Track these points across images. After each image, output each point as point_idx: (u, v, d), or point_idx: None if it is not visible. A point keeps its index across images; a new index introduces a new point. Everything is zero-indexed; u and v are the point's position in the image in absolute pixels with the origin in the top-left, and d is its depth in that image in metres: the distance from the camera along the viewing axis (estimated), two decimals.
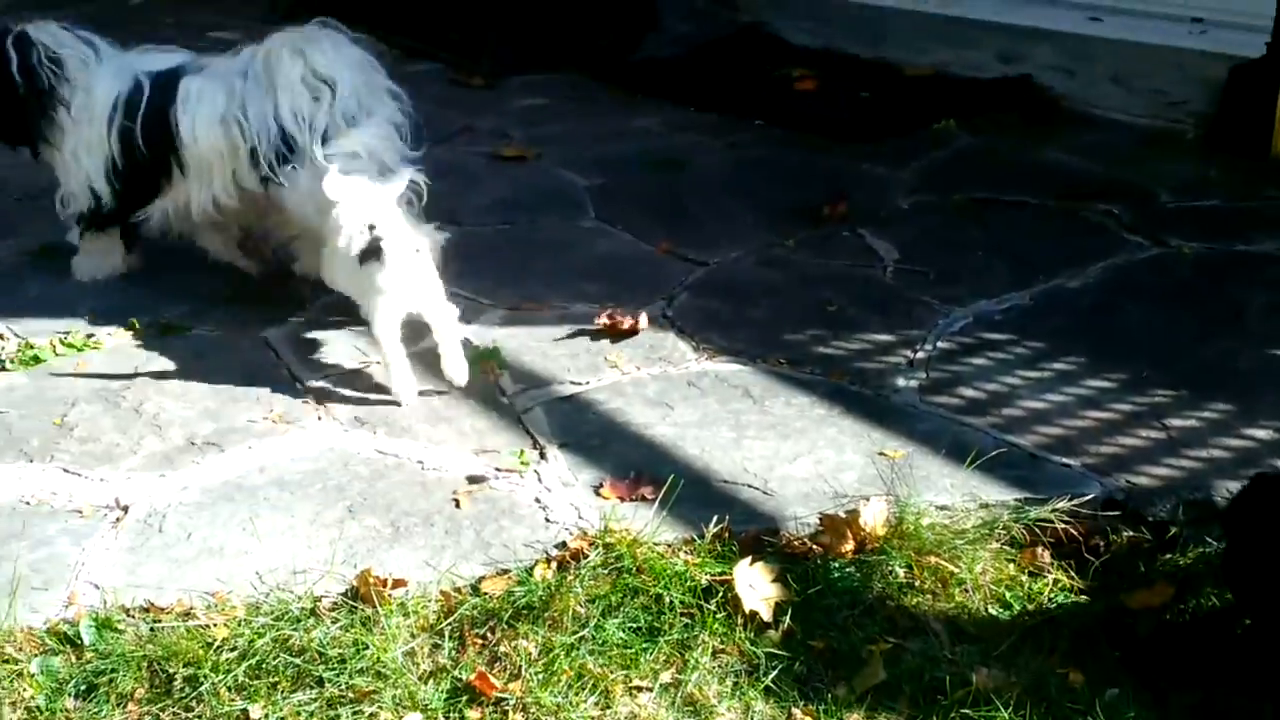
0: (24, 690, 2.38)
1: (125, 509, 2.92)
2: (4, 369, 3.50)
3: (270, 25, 6.94)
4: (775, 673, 2.48)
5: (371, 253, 3.21)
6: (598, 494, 2.97)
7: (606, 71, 6.00)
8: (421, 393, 3.36)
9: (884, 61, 5.83)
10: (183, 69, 3.76)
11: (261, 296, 3.89)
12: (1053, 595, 2.68)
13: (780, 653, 2.53)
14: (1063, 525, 2.79)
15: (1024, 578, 2.72)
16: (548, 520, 2.89)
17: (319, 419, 3.29)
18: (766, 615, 2.60)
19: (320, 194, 3.31)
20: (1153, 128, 5.16)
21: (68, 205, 3.91)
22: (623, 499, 2.95)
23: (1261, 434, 3.12)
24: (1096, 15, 5.44)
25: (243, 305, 3.84)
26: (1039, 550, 2.78)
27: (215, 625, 2.54)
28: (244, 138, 3.60)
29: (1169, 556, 2.76)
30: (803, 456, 3.10)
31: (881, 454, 3.09)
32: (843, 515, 2.84)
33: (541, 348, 3.61)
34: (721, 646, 2.55)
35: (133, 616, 2.57)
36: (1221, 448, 3.08)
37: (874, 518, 2.82)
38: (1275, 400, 3.24)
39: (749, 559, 2.70)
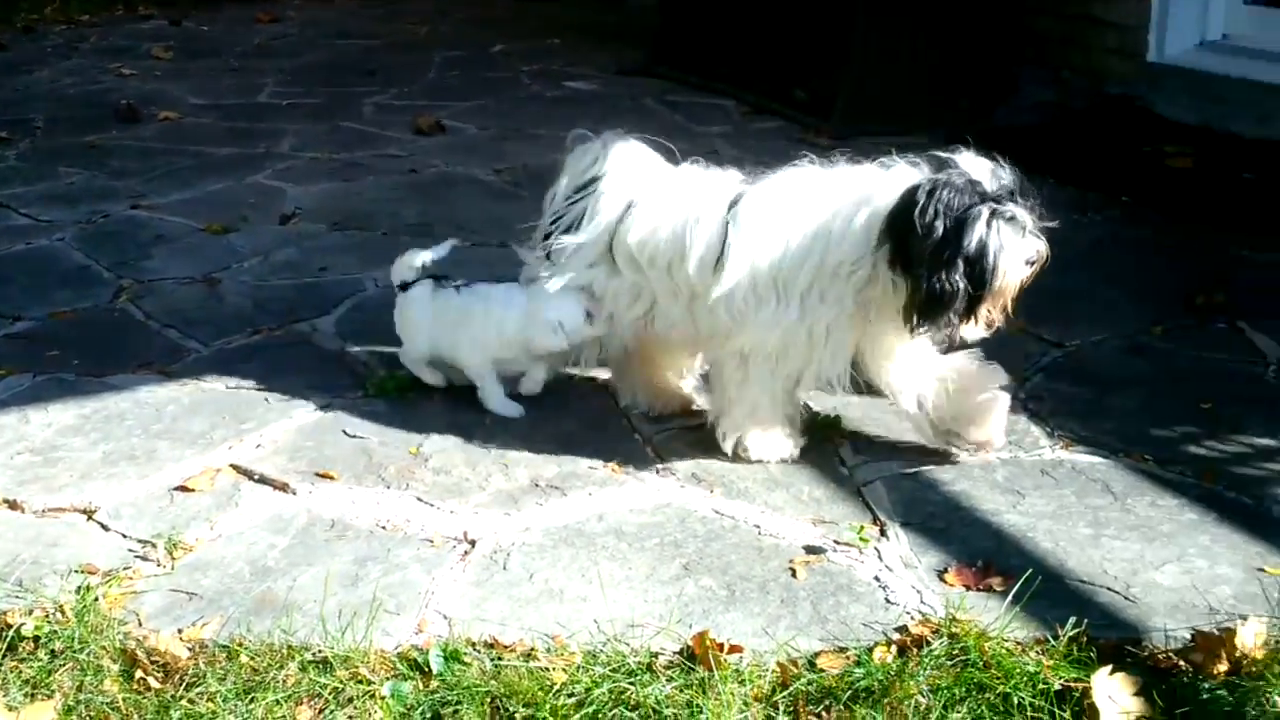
0: (374, 711, 2.46)
1: (473, 543, 3.00)
2: (367, 396, 3.69)
3: (622, 78, 7.29)
4: None
5: None
6: (941, 579, 2.84)
7: (959, 136, 5.82)
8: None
9: (1271, 141, 5.43)
10: None
11: None
12: None
13: None
14: None
15: None
16: (888, 601, 2.78)
17: (658, 473, 3.29)
18: None
19: None
20: None
21: None
22: (969, 587, 2.81)
23: None
24: None
25: None
26: None
27: (554, 669, 2.56)
28: None
29: None
30: (1170, 563, 2.87)
31: (1262, 570, 2.82)
32: (1217, 632, 2.60)
33: (885, 419, 3.51)
34: None
35: (478, 650, 2.62)
36: None
37: (1252, 639, 2.56)
38: None
39: (1108, 668, 2.50)
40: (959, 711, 2.45)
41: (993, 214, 2.98)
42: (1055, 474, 3.25)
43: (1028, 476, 3.24)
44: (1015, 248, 3.01)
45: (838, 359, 3.21)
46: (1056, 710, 2.44)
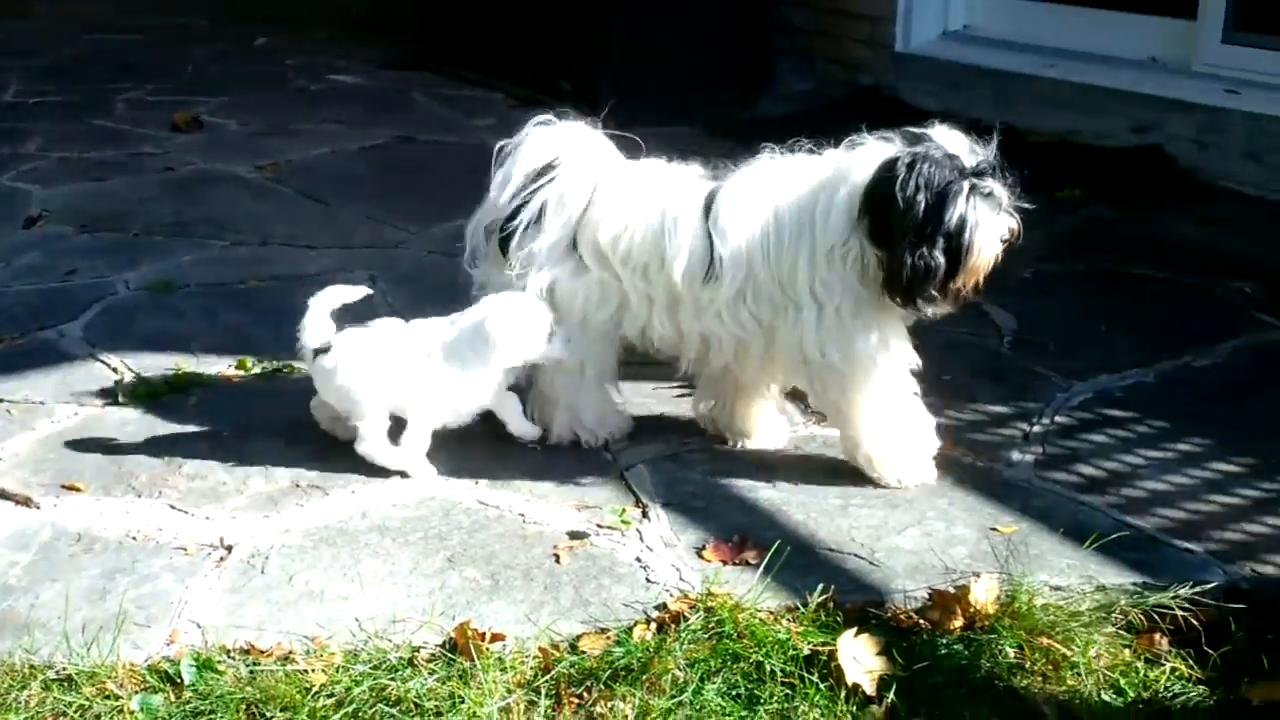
0: None
1: (229, 548, 2.94)
2: (117, 403, 3.57)
3: (389, 71, 7.22)
4: None
5: None
6: (700, 556, 2.92)
7: (722, 127, 6.00)
8: (523, 444, 3.35)
9: (1010, 126, 5.72)
10: None
11: None
12: (1169, 684, 2.56)
13: None
14: (1183, 613, 2.67)
15: (1140, 665, 2.60)
16: (649, 580, 2.85)
17: None
18: (870, 689, 2.52)
19: None
20: None
21: None
22: (726, 562, 2.90)
23: None
24: (1233, 89, 5.30)
25: None
26: (1157, 637, 2.66)
27: (314, 670, 2.53)
28: None
29: None
30: (911, 528, 3.02)
31: (994, 529, 3.00)
32: (952, 590, 2.75)
33: (647, 404, 3.59)
34: (822, 718, 2.48)
35: (233, 658, 2.57)
36: None
37: (985, 595, 2.72)
38: None
39: (853, 630, 2.62)
40: (714, 682, 2.52)
41: (972, 189, 2.94)
42: (807, 448, 3.38)
43: (782, 453, 3.36)
44: (992, 224, 2.98)
45: (894, 344, 3.13)
46: (806, 674, 2.54)
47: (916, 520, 3.05)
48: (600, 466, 3.30)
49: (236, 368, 3.78)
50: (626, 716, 2.45)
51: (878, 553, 2.93)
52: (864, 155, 3.04)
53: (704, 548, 2.95)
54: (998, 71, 5.89)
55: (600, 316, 3.24)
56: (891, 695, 2.50)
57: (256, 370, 3.77)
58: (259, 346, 3.87)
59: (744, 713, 2.47)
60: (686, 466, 3.29)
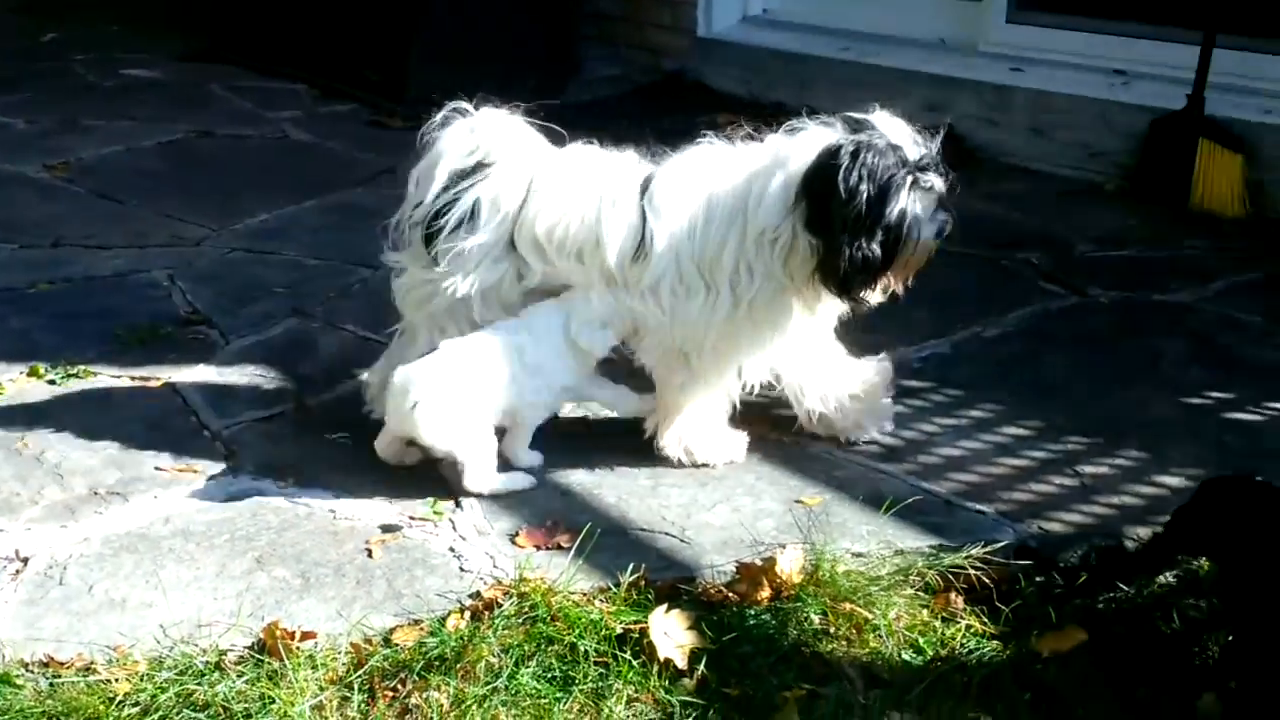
0: None
1: (25, 561, 2.84)
2: None
3: (186, 64, 7.00)
4: None
5: None
6: (513, 542, 2.94)
7: (530, 114, 5.99)
8: (334, 440, 3.31)
9: (809, 109, 5.86)
10: None
11: (170, 342, 3.84)
12: (965, 640, 2.67)
13: (695, 700, 2.50)
14: (976, 571, 2.80)
15: (937, 623, 2.72)
16: (462, 569, 2.85)
17: (228, 468, 3.22)
18: (681, 663, 2.58)
19: None
20: (1073, 178, 5.24)
21: None
22: (539, 547, 2.92)
23: (1172, 481, 3.15)
24: (1018, 66, 5.53)
25: (151, 350, 3.78)
26: (952, 596, 2.78)
27: (117, 680, 2.47)
28: None
29: (1080, 601, 2.77)
30: (720, 504, 3.09)
31: (799, 501, 3.09)
32: (759, 563, 2.83)
33: None
34: (636, 695, 2.52)
35: (31, 671, 2.50)
36: (1133, 495, 3.12)
37: (790, 565, 2.81)
38: (1186, 448, 3.28)
39: (664, 607, 2.67)
40: (529, 666, 2.55)
41: (914, 182, 2.92)
42: (618, 430, 3.41)
43: (595, 435, 3.39)
44: (931, 219, 2.98)
45: (782, 341, 3.14)
46: (619, 653, 2.58)
47: (725, 497, 3.12)
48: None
49: (29, 374, 3.64)
50: (442, 706, 2.45)
51: (688, 530, 2.99)
52: (803, 141, 3.01)
53: (517, 534, 2.96)
54: (797, 55, 6.03)
55: (542, 305, 3.18)
56: (702, 667, 2.56)
57: (50, 377, 3.63)
58: (52, 352, 3.73)
59: (559, 694, 2.50)
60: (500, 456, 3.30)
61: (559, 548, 2.90)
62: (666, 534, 2.98)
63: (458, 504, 3.08)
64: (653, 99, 6.27)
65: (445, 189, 3.13)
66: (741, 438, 3.29)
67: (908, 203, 2.92)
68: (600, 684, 2.52)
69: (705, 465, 3.23)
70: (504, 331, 3.10)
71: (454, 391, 3.00)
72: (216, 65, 6.99)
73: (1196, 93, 4.76)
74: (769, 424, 3.41)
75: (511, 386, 3.07)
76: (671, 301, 3.09)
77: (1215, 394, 3.54)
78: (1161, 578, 2.83)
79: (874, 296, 3.07)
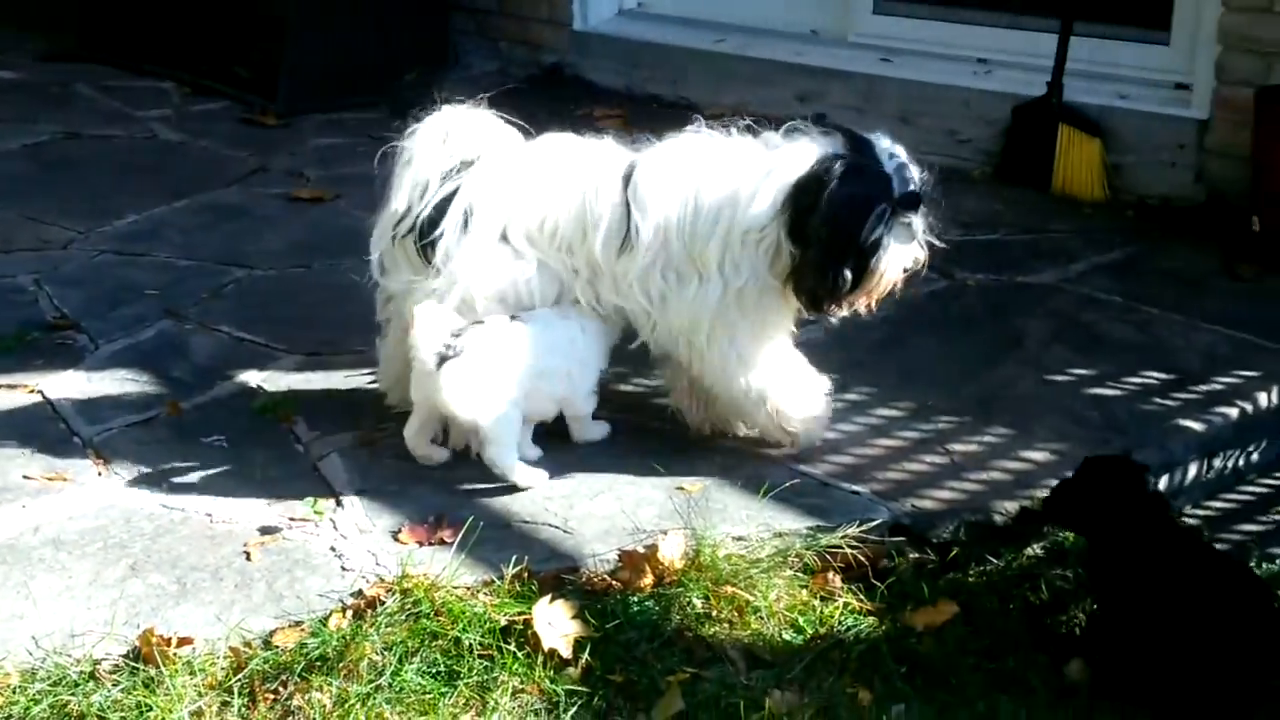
0: None
1: None
2: None
3: (49, 65, 6.81)
4: (575, 709, 2.49)
5: None
6: (396, 539, 2.93)
7: (408, 109, 5.95)
8: (209, 443, 3.27)
9: (686, 101, 5.93)
10: None
11: (37, 348, 3.76)
12: (843, 618, 2.74)
13: (580, 689, 2.53)
14: (852, 550, 2.86)
15: (816, 602, 2.78)
16: (344, 569, 2.84)
17: (100, 475, 3.16)
18: (566, 652, 2.60)
19: None
20: (941, 164, 5.30)
21: None
22: (421, 543, 2.91)
23: (1038, 456, 3.25)
24: (887, 57, 5.63)
25: (17, 357, 3.70)
26: (830, 575, 2.85)
27: None
28: None
29: (952, 575, 2.86)
30: (603, 493, 3.11)
31: (680, 488, 3.12)
32: (642, 550, 2.86)
33: (338, 393, 3.56)
34: (521, 686, 2.54)
35: None
36: (1000, 470, 3.21)
37: (672, 551, 2.85)
38: (1051, 424, 3.39)
39: (548, 597, 2.69)
40: (413, 663, 2.55)
41: (893, 215, 2.95)
42: None
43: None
44: (902, 253, 3.01)
45: (773, 331, 3.17)
46: (503, 645, 2.60)
47: (607, 486, 3.14)
48: (291, 459, 3.26)
49: None
50: (324, 706, 2.44)
51: (571, 520, 3.01)
52: (801, 148, 3.03)
53: (400, 531, 2.96)
54: (672, 47, 6.06)
55: (541, 298, 3.17)
56: (587, 656, 2.59)
57: None
58: None
59: (444, 689, 2.51)
60: (380, 453, 3.28)
61: (442, 543, 2.90)
62: (550, 525, 2.99)
63: (339, 503, 3.07)
64: (531, 93, 6.25)
65: (431, 193, 3.10)
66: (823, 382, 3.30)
67: (882, 234, 2.96)
68: (485, 677, 2.54)
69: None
70: (554, 313, 3.16)
71: (492, 360, 3.02)
72: (82, 65, 6.81)
73: (1055, 80, 4.90)
74: (648, 412, 3.45)
75: (569, 364, 3.16)
76: (662, 289, 3.10)
77: (1077, 370, 3.66)
78: (1030, 549, 2.93)
79: (840, 312, 3.14)
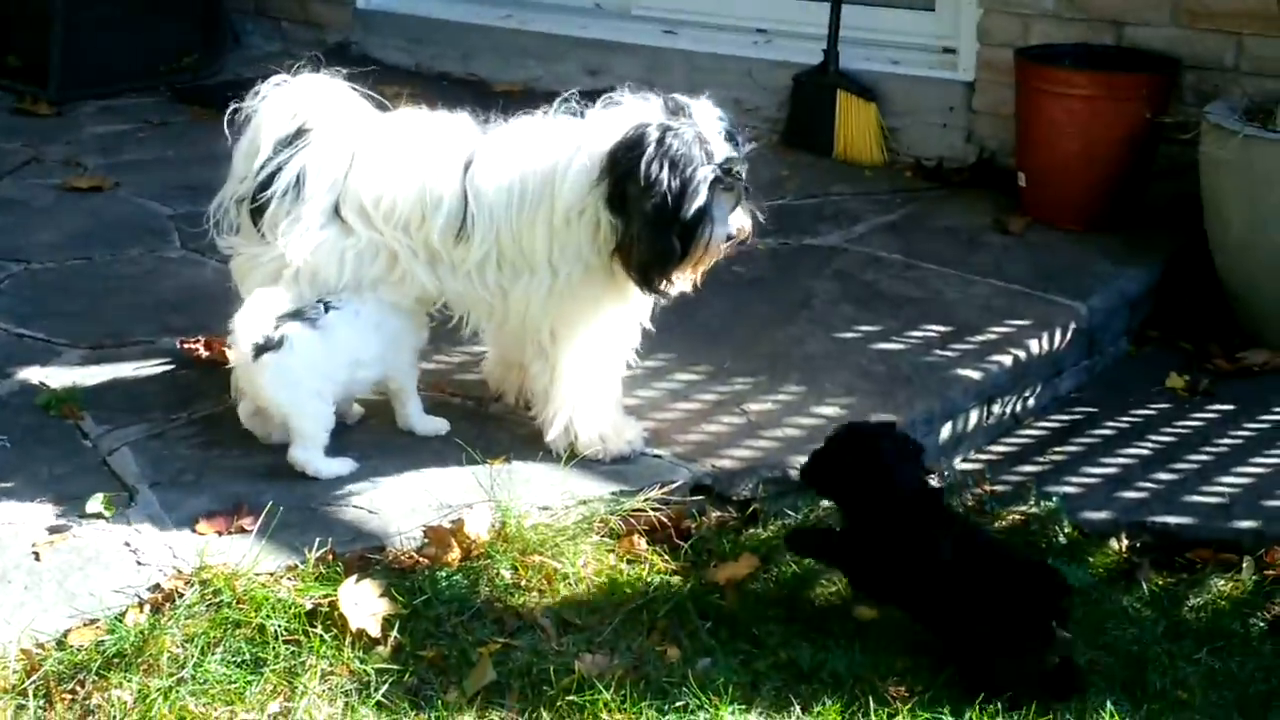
0: None
1: None
2: None
3: None
4: (386, 687, 2.50)
5: None
6: (193, 530, 2.87)
7: (188, 93, 5.80)
8: None
9: (476, 78, 5.91)
10: None
11: None
12: (649, 579, 2.81)
13: (391, 666, 2.54)
14: (655, 513, 2.94)
15: (623, 565, 2.85)
16: (139, 563, 2.77)
17: None
18: (375, 631, 2.60)
19: None
20: None
21: None
22: (221, 532, 2.86)
23: (828, 411, 3.38)
24: (671, 29, 5.71)
25: None
26: (635, 538, 2.91)
27: None
28: None
29: (752, 531, 2.95)
30: (407, 471, 3.10)
31: (484, 462, 3.13)
32: (447, 525, 2.87)
33: (126, 385, 3.44)
34: (330, 668, 2.53)
35: None
36: (795, 426, 3.32)
37: (478, 525, 2.87)
38: (840, 379, 3.52)
39: (354, 578, 2.69)
40: (216, 653, 2.52)
41: (716, 180, 2.84)
42: None
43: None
44: (727, 221, 2.91)
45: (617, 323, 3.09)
46: (310, 629, 2.58)
47: (411, 464, 3.13)
48: (79, 455, 3.15)
49: None
50: (125, 703, 2.39)
51: (375, 500, 2.99)
52: (614, 116, 2.94)
53: (197, 521, 2.89)
54: (459, 24, 6.02)
55: (370, 276, 3.07)
56: (395, 633, 2.59)
57: None
58: None
59: (250, 677, 2.48)
60: (174, 443, 3.20)
61: (242, 530, 2.85)
62: (353, 506, 2.97)
63: (132, 498, 2.98)
64: (316, 72, 6.13)
65: (268, 160, 3.04)
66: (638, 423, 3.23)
67: (708, 201, 2.87)
68: (293, 662, 2.52)
69: (623, 459, 3.14)
70: (365, 303, 3.08)
71: (308, 357, 2.97)
72: None
73: (831, 47, 5.06)
74: (450, 388, 3.45)
75: (379, 359, 3.12)
76: (498, 280, 3.05)
77: (863, 327, 3.81)
78: (825, 502, 3.05)
79: (673, 289, 3.04)
